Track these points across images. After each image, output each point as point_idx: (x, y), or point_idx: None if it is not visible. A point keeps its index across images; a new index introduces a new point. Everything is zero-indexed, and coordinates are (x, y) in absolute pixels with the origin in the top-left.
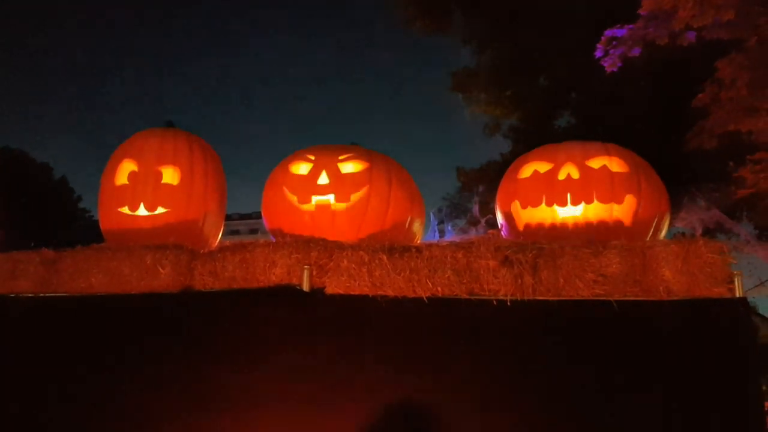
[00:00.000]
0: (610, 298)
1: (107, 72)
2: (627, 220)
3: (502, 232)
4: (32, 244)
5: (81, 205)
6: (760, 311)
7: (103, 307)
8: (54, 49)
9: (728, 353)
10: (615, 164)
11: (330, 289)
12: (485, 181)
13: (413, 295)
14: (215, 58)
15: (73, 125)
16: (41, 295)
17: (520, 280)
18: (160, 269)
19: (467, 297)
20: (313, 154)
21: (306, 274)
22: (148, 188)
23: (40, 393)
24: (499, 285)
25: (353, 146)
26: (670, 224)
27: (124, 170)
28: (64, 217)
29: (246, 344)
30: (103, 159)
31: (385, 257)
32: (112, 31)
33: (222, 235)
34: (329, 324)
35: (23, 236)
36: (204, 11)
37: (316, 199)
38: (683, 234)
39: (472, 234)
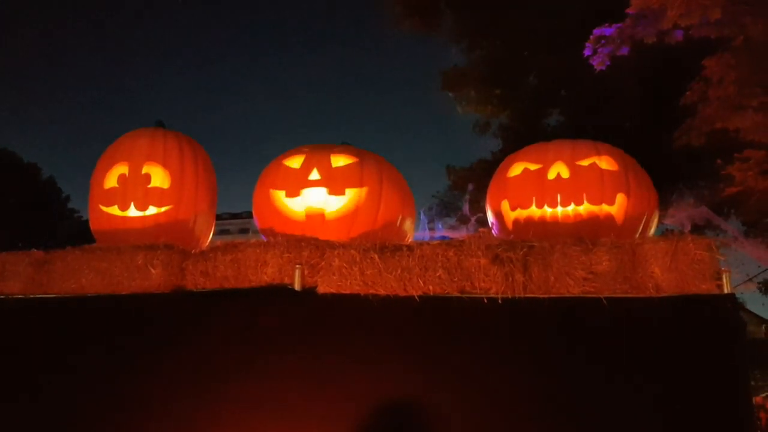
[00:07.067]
0: (600, 295)
1: (96, 69)
2: (616, 218)
3: (492, 231)
4: (20, 245)
5: (69, 205)
6: (748, 307)
7: (94, 308)
8: (42, 46)
9: (717, 349)
10: (605, 162)
11: (322, 289)
12: (475, 179)
13: (405, 294)
14: (205, 58)
15: (61, 124)
16: (31, 296)
17: (510, 278)
18: (152, 269)
19: (458, 295)
20: (305, 153)
21: (297, 273)
22: (139, 189)
23: (30, 394)
24: (490, 283)
25: (345, 145)
26: (659, 221)
27: (114, 171)
28: (52, 218)
29: (238, 344)
30: (91, 158)
31: (376, 256)
32: (102, 27)
33: (213, 234)
34: (321, 323)
35: (11, 237)
36: (197, 9)
37: (305, 191)
38: (672, 231)
39: (463, 232)
